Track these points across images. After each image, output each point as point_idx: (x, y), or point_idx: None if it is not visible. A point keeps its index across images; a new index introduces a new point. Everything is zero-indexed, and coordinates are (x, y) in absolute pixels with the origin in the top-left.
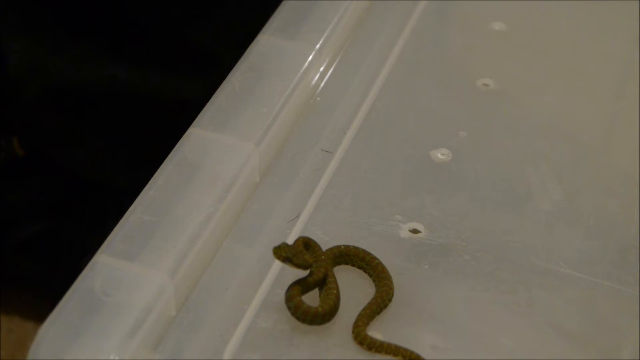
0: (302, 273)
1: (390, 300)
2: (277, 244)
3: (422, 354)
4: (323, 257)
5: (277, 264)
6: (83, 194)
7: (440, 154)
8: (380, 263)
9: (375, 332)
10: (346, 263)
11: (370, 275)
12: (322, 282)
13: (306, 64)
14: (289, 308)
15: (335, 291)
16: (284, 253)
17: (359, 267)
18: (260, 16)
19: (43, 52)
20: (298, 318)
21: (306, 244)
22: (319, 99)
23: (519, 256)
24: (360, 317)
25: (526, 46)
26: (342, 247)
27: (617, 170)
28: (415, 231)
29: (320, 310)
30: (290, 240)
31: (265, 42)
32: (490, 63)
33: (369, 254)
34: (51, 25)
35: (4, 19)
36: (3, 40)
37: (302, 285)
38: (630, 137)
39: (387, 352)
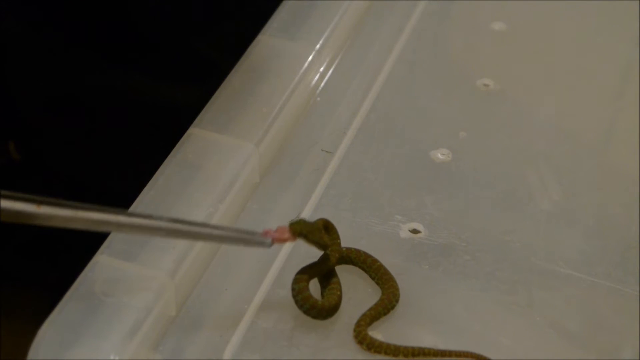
0: (303, 262)
1: (397, 302)
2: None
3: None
4: (339, 241)
5: (277, 263)
6: (82, 196)
7: (440, 154)
8: (382, 265)
9: (375, 332)
10: (347, 263)
11: (373, 278)
12: (332, 270)
13: (306, 64)
14: (293, 289)
15: (338, 292)
16: (299, 228)
17: (361, 269)
18: (261, 24)
19: (41, 57)
20: (297, 302)
21: (325, 226)
22: (319, 99)
23: (519, 256)
24: (363, 316)
25: (526, 46)
26: (344, 249)
27: (617, 170)
28: (415, 231)
29: (319, 304)
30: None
31: (265, 42)
32: (490, 63)
33: (370, 256)
34: (51, 31)
35: (2, 24)
36: (2, 44)
37: (313, 270)
38: (630, 137)
39: (386, 353)
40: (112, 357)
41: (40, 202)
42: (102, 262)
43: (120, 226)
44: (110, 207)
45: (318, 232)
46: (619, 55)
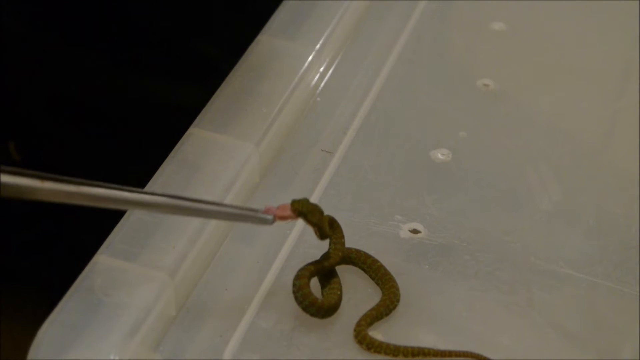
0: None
1: (398, 302)
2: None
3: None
4: (343, 240)
5: (277, 263)
6: None
7: (440, 154)
8: (382, 266)
9: (375, 332)
10: (347, 263)
11: (373, 278)
12: (333, 270)
13: (306, 64)
14: (294, 285)
15: (338, 292)
16: (300, 207)
17: (362, 270)
18: (261, 23)
19: (41, 57)
20: (296, 298)
21: (330, 223)
22: (319, 99)
23: (519, 256)
24: (364, 316)
25: (526, 46)
26: (345, 249)
27: (617, 170)
28: (415, 231)
29: (318, 302)
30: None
31: (265, 42)
32: (490, 63)
33: (370, 256)
34: (51, 30)
35: (3, 23)
36: (2, 45)
37: (315, 267)
38: (630, 137)
39: (386, 353)
40: (112, 357)
41: (44, 178)
42: (102, 262)
43: (123, 202)
44: (113, 184)
45: (319, 214)
46: (619, 55)
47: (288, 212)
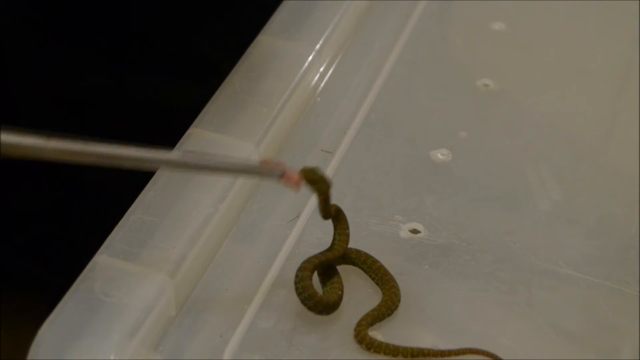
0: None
1: (399, 302)
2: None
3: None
4: (348, 232)
5: (277, 264)
6: (82, 196)
7: (440, 154)
8: (382, 266)
9: (375, 332)
10: (347, 263)
11: (373, 279)
12: (335, 270)
13: (306, 64)
14: (296, 276)
15: (339, 291)
16: (310, 175)
17: (362, 270)
18: (261, 24)
19: (41, 57)
20: (297, 289)
21: (336, 214)
22: (319, 99)
23: (519, 256)
24: (365, 317)
25: (526, 46)
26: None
27: (617, 170)
28: (415, 231)
29: (318, 297)
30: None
31: (265, 43)
32: (490, 63)
33: (370, 257)
34: (51, 31)
35: (4, 24)
36: (3, 45)
37: (319, 260)
38: (630, 137)
39: (385, 353)
40: (112, 357)
41: (49, 137)
42: (102, 262)
43: (130, 160)
44: (120, 144)
45: (326, 185)
46: (619, 55)
47: (294, 179)
